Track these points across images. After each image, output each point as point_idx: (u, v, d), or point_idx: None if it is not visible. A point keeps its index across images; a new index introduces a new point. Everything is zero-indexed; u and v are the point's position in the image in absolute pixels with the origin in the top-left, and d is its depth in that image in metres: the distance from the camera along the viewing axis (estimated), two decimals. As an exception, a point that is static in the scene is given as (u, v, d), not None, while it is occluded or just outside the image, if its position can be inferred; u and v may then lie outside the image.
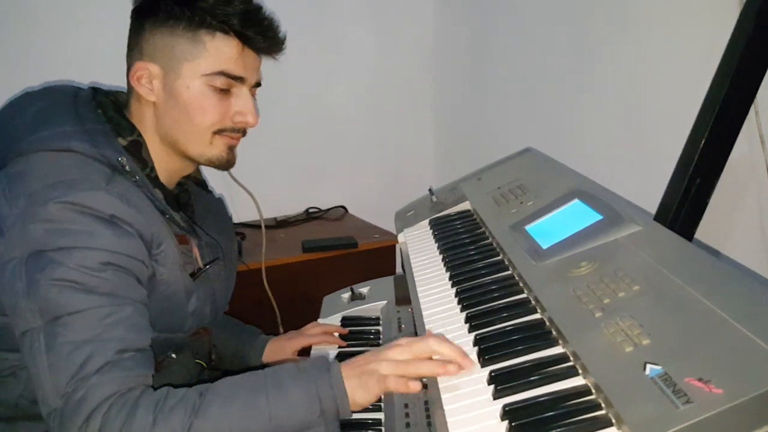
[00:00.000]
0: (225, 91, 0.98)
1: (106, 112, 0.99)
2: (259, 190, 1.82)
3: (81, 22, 1.88)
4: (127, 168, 0.93)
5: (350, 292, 1.48)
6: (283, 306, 1.75)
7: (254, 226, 2.03)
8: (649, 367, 0.59)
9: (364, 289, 1.48)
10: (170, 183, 1.05)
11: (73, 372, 0.78)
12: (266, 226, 1.94)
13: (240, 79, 0.98)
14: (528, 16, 1.84)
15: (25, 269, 0.82)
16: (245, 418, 0.79)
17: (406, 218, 1.38)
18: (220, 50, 0.95)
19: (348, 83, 2.32)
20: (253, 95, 1.03)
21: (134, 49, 0.98)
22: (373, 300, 1.43)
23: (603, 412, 0.61)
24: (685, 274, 0.71)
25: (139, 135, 0.99)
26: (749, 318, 0.60)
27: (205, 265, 1.04)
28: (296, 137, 2.27)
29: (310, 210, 2.30)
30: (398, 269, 1.99)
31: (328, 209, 2.31)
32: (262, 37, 0.98)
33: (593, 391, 0.64)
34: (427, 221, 1.31)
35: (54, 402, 0.79)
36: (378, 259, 1.95)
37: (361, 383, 0.82)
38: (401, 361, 0.81)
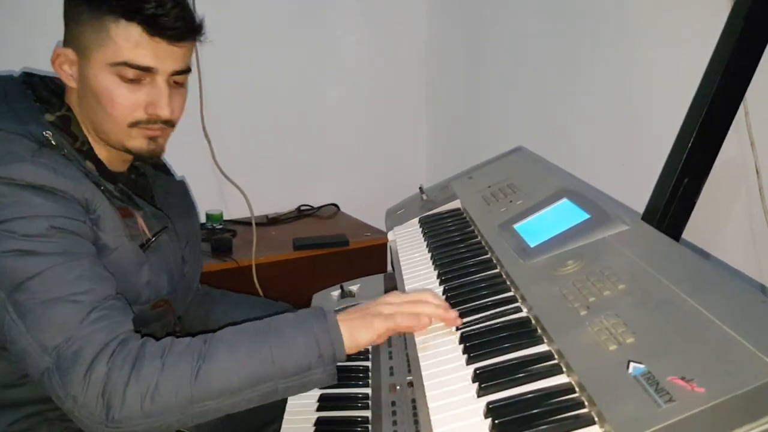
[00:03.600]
0: (136, 81, 0.93)
1: (36, 91, 0.98)
2: (251, 187, 1.82)
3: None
4: (53, 142, 0.92)
5: (340, 290, 1.47)
6: (274, 303, 1.74)
7: (245, 223, 2.02)
8: (632, 365, 0.59)
9: (354, 287, 1.47)
10: (112, 162, 1.03)
11: (55, 328, 0.79)
12: (257, 224, 1.94)
13: (148, 70, 0.93)
14: (520, 17, 1.84)
15: None
16: (250, 363, 0.81)
17: (396, 216, 1.37)
18: (124, 38, 0.90)
19: (341, 81, 2.31)
20: (182, 83, 1.00)
21: (65, 32, 0.98)
22: (363, 298, 1.42)
23: (586, 410, 0.61)
24: (671, 274, 0.71)
25: (69, 110, 0.98)
26: (733, 317, 0.60)
27: (153, 236, 1.04)
28: (289, 135, 2.27)
29: (302, 207, 2.30)
30: (389, 267, 1.98)
31: (320, 207, 2.31)
32: (166, 20, 0.91)
33: (576, 389, 0.64)
34: (417, 219, 1.30)
35: (43, 361, 0.79)
36: (369, 257, 1.95)
37: (365, 324, 0.86)
38: (403, 302, 0.88)
